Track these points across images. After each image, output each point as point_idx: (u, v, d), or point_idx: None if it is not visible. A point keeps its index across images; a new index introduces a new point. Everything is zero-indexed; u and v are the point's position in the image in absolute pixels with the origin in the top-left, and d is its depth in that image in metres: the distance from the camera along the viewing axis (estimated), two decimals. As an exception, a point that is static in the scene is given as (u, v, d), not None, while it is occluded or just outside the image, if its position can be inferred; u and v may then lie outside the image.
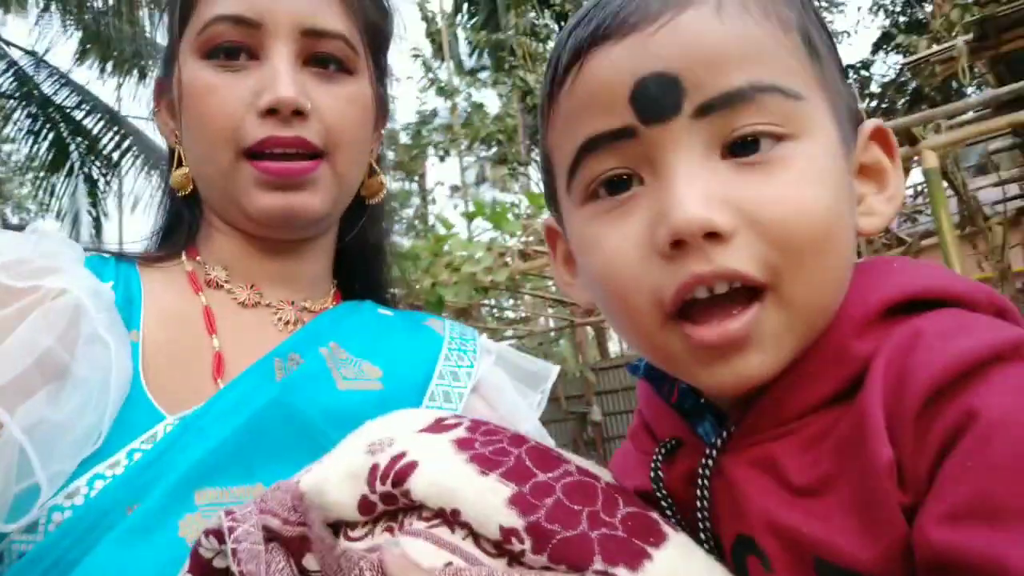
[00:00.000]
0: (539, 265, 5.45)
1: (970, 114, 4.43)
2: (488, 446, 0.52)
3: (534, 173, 12.69)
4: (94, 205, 11.36)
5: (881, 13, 12.77)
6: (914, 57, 4.85)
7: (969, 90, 9.23)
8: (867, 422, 0.44)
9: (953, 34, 6.31)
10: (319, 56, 0.83)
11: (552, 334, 9.31)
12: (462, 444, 0.52)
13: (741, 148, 0.49)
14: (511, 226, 5.42)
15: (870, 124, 0.56)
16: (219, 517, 0.52)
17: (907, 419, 0.42)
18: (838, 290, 0.50)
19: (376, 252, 1.00)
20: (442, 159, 11.54)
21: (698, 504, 0.53)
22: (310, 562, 0.52)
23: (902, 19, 12.33)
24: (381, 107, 0.93)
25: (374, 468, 0.52)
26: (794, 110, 0.49)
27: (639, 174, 0.51)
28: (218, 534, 0.51)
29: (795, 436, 0.49)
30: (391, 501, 0.51)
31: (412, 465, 0.50)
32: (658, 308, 0.50)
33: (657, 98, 0.48)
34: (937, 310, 0.47)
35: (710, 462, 0.53)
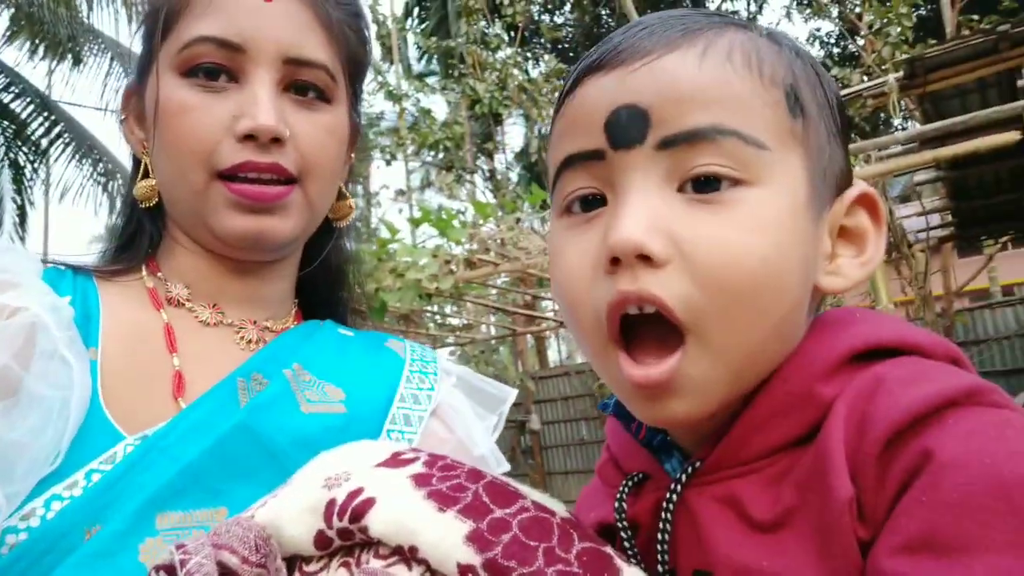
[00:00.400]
0: (484, 273, 5.46)
1: (898, 147, 4.65)
2: (446, 482, 0.53)
3: (480, 181, 12.71)
4: (19, 192, 10.85)
5: (817, 44, 13.30)
6: (849, 91, 5.08)
7: (896, 122, 9.69)
8: (829, 460, 0.47)
9: (883, 68, 6.64)
10: (299, 84, 0.83)
11: (493, 342, 9.33)
12: (420, 480, 0.53)
13: (704, 185, 0.51)
14: (456, 234, 5.42)
15: (857, 189, 0.57)
16: (170, 552, 0.51)
17: (869, 459, 0.45)
18: (775, 341, 0.53)
19: (339, 272, 1.01)
20: (388, 163, 11.42)
21: (659, 537, 0.55)
22: None
23: (836, 51, 12.87)
24: (354, 132, 0.94)
25: (331, 503, 0.52)
26: (754, 158, 0.51)
27: (604, 194, 0.54)
28: (169, 569, 0.50)
29: (759, 474, 0.51)
30: (348, 536, 0.51)
31: (370, 501, 0.51)
32: (601, 328, 0.53)
33: (626, 127, 0.52)
34: (897, 358, 0.50)
35: (674, 496, 0.55)
